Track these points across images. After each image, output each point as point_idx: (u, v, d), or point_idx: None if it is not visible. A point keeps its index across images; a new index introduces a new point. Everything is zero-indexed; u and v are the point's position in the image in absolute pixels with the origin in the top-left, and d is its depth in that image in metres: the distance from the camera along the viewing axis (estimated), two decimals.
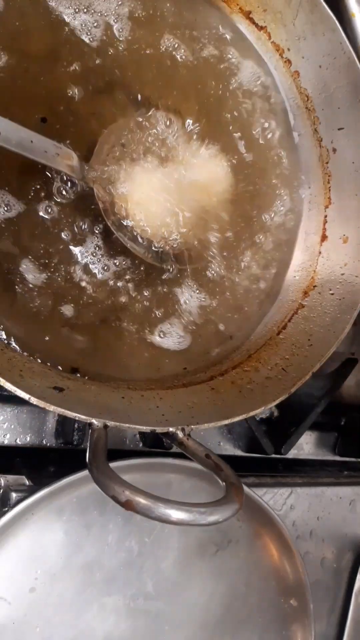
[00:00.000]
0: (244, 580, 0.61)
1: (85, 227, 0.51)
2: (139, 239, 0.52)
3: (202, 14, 0.60)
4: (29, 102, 0.50)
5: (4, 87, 0.49)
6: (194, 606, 0.58)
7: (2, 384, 0.40)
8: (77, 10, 0.52)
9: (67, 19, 0.52)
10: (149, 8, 0.56)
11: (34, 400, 0.40)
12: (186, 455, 0.55)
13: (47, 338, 0.49)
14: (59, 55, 0.51)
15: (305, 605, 0.63)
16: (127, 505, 0.35)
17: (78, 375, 0.49)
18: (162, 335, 0.54)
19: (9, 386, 0.40)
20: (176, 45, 0.57)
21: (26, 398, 0.40)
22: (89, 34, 0.53)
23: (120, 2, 0.54)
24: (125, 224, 0.52)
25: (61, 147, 0.48)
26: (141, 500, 0.35)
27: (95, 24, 0.53)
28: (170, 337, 0.54)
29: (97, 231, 0.51)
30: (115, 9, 0.54)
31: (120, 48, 0.54)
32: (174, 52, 0.58)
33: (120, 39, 0.54)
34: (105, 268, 0.52)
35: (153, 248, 0.53)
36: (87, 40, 0.53)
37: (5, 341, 0.46)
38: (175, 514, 0.35)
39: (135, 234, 0.52)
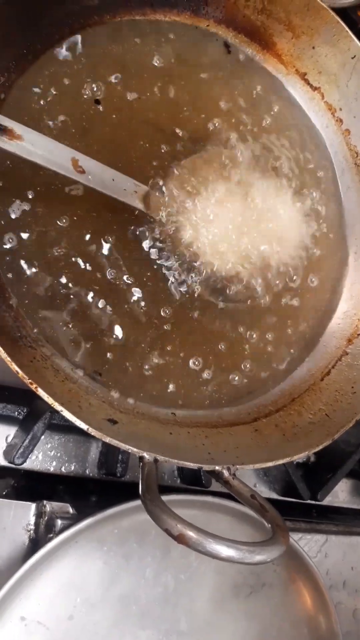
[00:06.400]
0: (276, 625, 0.61)
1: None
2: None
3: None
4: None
5: None
6: None
7: (63, 414, 0.42)
8: None
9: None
10: None
11: (91, 431, 0.42)
12: (225, 494, 0.56)
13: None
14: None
15: None
16: (180, 538, 0.36)
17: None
18: (210, 373, 0.56)
19: (69, 416, 0.42)
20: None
21: (84, 428, 0.42)
22: None
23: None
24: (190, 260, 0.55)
25: (140, 185, 0.51)
26: (193, 535, 0.36)
27: None
28: (217, 375, 0.56)
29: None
30: None
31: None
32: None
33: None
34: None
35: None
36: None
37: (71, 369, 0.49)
38: (225, 551, 0.37)
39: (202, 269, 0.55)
